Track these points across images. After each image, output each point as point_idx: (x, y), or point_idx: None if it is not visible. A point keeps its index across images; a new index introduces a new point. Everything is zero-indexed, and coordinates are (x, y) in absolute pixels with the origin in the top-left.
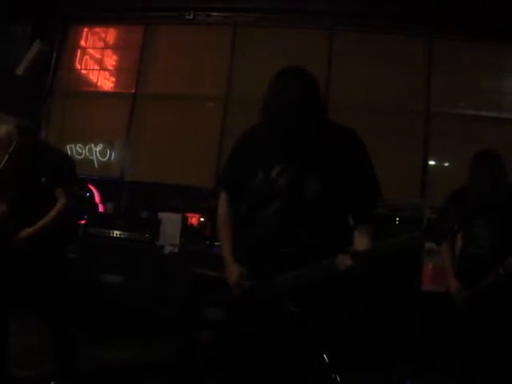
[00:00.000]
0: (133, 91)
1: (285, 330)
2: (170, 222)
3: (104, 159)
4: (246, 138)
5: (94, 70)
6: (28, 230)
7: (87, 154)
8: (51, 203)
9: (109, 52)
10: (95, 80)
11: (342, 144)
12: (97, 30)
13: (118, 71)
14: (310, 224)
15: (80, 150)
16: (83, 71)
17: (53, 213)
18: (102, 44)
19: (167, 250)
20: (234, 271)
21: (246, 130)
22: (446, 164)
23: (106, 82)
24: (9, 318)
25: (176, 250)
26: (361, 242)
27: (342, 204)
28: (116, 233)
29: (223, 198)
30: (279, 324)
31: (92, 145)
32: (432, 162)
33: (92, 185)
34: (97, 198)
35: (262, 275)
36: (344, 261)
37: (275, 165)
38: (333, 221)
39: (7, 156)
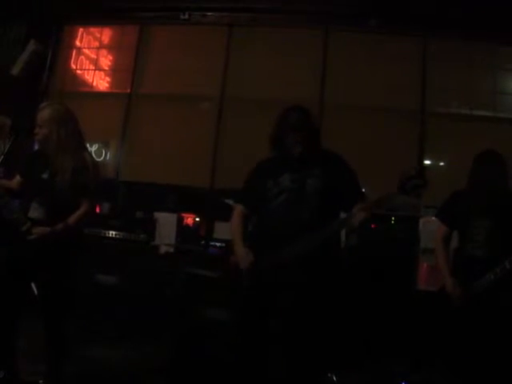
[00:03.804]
0: (128, 91)
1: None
2: (166, 222)
3: (99, 159)
4: (258, 165)
5: (89, 70)
6: (44, 229)
7: None
8: (72, 207)
9: (104, 52)
10: (90, 80)
11: (332, 160)
12: (92, 29)
13: (113, 71)
14: (310, 210)
15: None
16: (78, 71)
17: (74, 217)
18: (97, 44)
19: (163, 250)
20: (240, 250)
21: (258, 162)
22: (441, 163)
23: (101, 82)
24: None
25: (171, 250)
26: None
27: (336, 201)
28: (111, 233)
29: (238, 209)
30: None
31: (87, 145)
32: (427, 162)
33: None
34: None
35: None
36: (358, 215)
37: (283, 174)
38: (328, 210)
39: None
